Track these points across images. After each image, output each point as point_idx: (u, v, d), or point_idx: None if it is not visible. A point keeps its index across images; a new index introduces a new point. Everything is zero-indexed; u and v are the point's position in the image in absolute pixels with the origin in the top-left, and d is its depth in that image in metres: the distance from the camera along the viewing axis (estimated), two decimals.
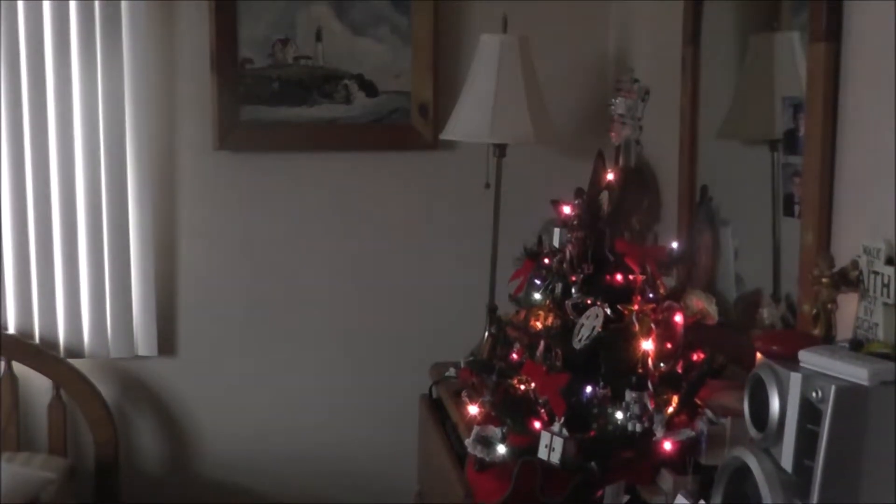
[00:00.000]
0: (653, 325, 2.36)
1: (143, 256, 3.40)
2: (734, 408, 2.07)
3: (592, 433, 2.28)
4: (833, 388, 1.60)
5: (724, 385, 2.31)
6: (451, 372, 3.04)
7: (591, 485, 2.23)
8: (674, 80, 2.91)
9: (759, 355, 1.86)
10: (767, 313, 2.44)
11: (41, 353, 3.36)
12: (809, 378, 1.66)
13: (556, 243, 2.69)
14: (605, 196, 2.62)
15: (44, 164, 3.31)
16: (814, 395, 1.63)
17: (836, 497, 1.61)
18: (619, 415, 2.26)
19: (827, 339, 1.91)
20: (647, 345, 2.34)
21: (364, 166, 3.54)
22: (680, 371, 2.36)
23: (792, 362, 1.72)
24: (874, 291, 1.88)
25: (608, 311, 2.39)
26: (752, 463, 1.72)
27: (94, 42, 3.28)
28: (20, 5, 3.25)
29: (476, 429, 2.40)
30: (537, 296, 2.61)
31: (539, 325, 2.53)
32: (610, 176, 2.74)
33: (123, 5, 3.28)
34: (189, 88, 3.41)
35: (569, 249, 2.55)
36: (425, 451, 3.03)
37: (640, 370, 2.32)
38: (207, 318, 3.53)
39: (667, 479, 2.19)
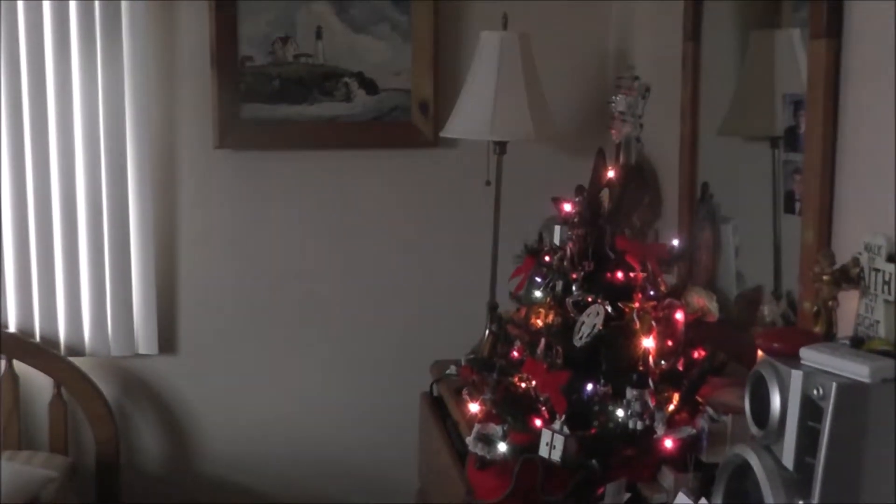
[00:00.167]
0: (654, 323, 2.36)
1: (144, 255, 3.40)
2: (735, 405, 2.07)
3: (593, 431, 2.28)
4: (834, 385, 1.60)
5: (725, 382, 2.31)
6: (452, 370, 3.04)
7: (592, 482, 2.23)
8: (674, 77, 2.91)
9: (759, 353, 1.86)
10: (768, 310, 2.44)
11: (42, 352, 3.36)
12: (810, 375, 1.66)
13: (556, 241, 2.69)
14: (605, 193, 2.62)
15: (44, 163, 3.31)
16: (815, 392, 1.63)
17: (837, 494, 1.61)
18: (620, 412, 2.26)
19: (828, 337, 1.91)
20: (648, 342, 2.34)
21: (364, 164, 3.54)
22: (681, 368, 2.36)
23: (793, 360, 1.72)
24: (875, 288, 1.88)
25: (609, 308, 2.39)
26: (754, 460, 1.72)
27: (94, 41, 3.28)
28: (20, 5, 3.25)
29: (477, 427, 2.40)
30: (538, 293, 2.61)
31: (540, 322, 2.52)
32: (610, 173, 2.74)
33: (123, 5, 3.28)
34: (189, 87, 3.41)
35: (569, 247, 2.55)
36: (426, 449, 3.03)
37: (640, 368, 2.31)
38: (208, 317, 3.53)
39: (668, 477, 2.19)
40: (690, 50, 2.83)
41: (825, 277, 1.93)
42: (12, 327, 3.38)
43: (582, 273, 2.49)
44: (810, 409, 1.64)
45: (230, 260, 3.52)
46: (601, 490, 2.21)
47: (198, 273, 3.51)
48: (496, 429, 2.37)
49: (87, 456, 3.45)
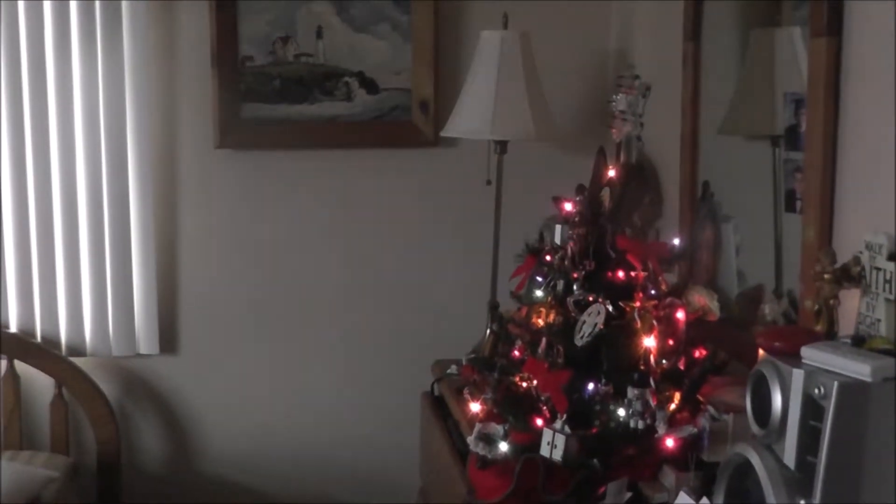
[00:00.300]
0: (654, 322, 2.35)
1: (145, 254, 3.40)
2: (736, 404, 2.07)
3: (594, 430, 2.28)
4: (835, 384, 1.60)
5: (726, 381, 2.31)
6: (453, 369, 3.04)
7: (593, 482, 2.23)
8: (675, 76, 2.91)
9: (761, 352, 1.85)
10: (769, 309, 2.44)
11: (43, 352, 3.36)
12: (812, 374, 1.66)
13: (557, 240, 2.68)
14: (606, 193, 2.62)
15: (45, 163, 3.31)
16: (816, 391, 1.63)
17: (838, 493, 1.61)
18: (622, 411, 2.26)
19: (829, 336, 1.90)
20: (649, 341, 2.34)
21: (365, 164, 3.54)
22: (682, 367, 2.36)
23: (794, 358, 1.72)
24: (876, 287, 1.87)
25: (610, 307, 2.39)
26: (755, 459, 1.72)
27: (94, 41, 3.28)
28: (21, 5, 3.25)
29: (478, 426, 2.40)
30: (539, 293, 2.61)
31: (541, 322, 2.52)
32: (611, 172, 2.74)
33: (124, 5, 3.28)
34: (190, 86, 3.41)
35: (570, 246, 2.55)
36: (427, 448, 3.03)
37: (642, 367, 2.31)
38: (209, 317, 3.53)
39: (669, 476, 2.19)
40: (691, 49, 2.83)
41: (826, 276, 1.93)
42: (13, 327, 3.38)
43: (583, 272, 2.49)
44: (811, 408, 1.64)
45: (231, 260, 3.52)
46: (602, 489, 2.20)
47: (199, 273, 3.51)
48: (497, 428, 2.37)
49: (88, 456, 3.45)
